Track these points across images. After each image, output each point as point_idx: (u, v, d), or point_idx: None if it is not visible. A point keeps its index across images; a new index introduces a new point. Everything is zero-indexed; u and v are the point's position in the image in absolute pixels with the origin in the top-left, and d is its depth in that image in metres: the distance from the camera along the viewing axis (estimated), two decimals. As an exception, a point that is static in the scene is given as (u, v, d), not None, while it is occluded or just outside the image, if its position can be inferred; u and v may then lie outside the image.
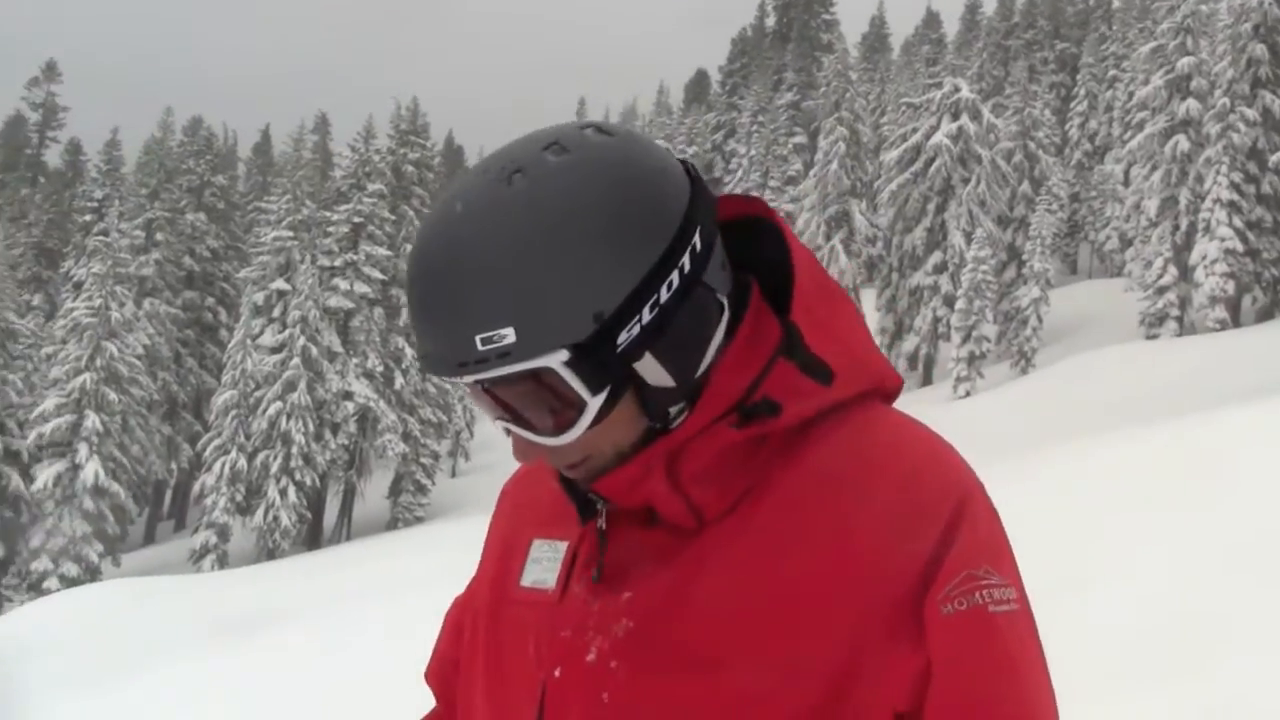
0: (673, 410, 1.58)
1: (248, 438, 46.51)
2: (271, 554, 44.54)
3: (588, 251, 1.47)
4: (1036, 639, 1.59)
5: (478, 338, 1.47)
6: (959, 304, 43.70)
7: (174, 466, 54.14)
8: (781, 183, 62.23)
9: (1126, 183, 48.66)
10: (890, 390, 1.71)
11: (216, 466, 46.60)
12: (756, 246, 1.71)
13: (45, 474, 45.43)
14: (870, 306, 50.21)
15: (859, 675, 1.51)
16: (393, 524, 46.84)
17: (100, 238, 52.57)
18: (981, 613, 1.52)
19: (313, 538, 48.31)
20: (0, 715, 14.38)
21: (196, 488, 49.08)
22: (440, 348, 1.50)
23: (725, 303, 1.61)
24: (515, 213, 1.47)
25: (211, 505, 46.33)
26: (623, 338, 1.49)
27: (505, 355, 1.47)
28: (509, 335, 1.46)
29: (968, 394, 40.51)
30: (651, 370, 1.54)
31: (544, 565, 1.71)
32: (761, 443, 1.59)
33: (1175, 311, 42.94)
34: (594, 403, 1.51)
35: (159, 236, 56.15)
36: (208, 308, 57.72)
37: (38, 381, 48.41)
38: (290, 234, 50.33)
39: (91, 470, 45.28)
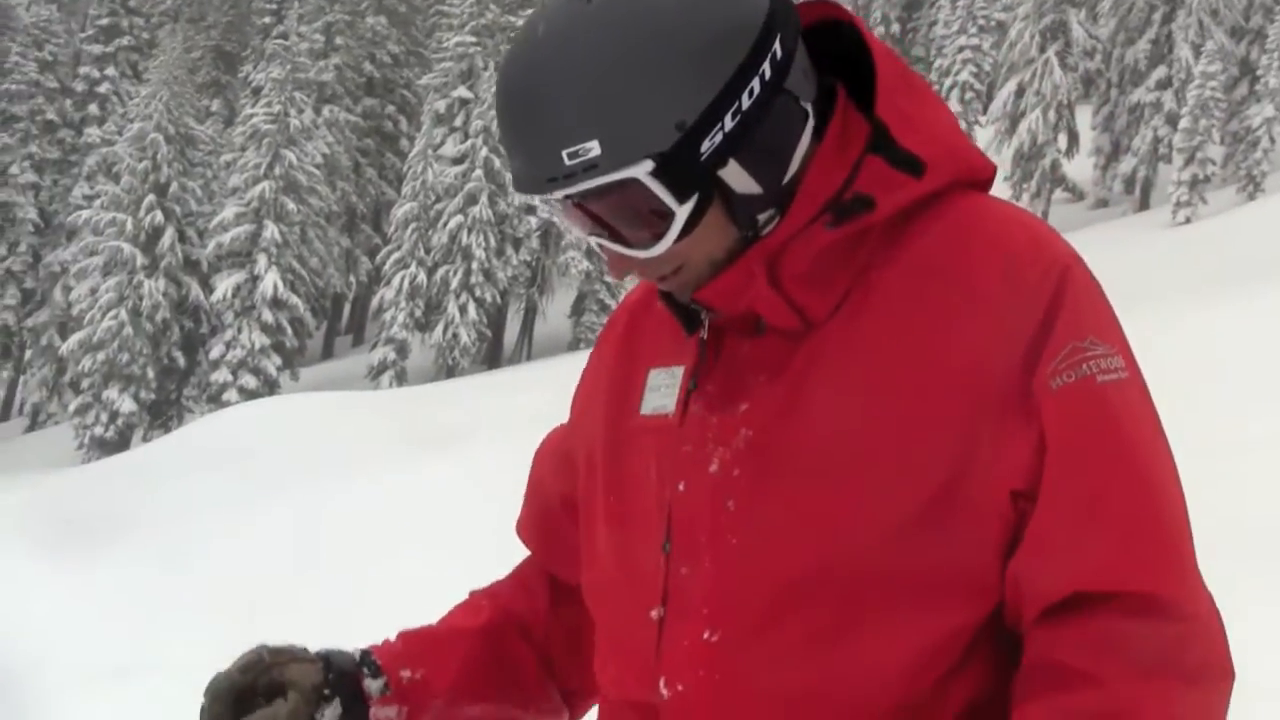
0: (762, 218, 1.66)
1: (427, 252, 47.07)
2: (451, 371, 45.30)
3: (666, 62, 1.54)
4: (1149, 404, 1.64)
5: (564, 152, 1.55)
6: (1183, 123, 42.55)
7: (352, 280, 55.05)
8: (992, -8, 60.76)
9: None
10: (984, 179, 1.77)
11: (395, 281, 47.31)
12: (838, 49, 1.77)
13: (224, 284, 46.53)
14: (1085, 125, 48.91)
15: (974, 461, 1.58)
16: (575, 344, 47.20)
17: (279, 41, 53.15)
18: (1090, 383, 1.58)
19: (493, 356, 49.04)
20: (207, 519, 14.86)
21: (375, 302, 49.88)
22: (529, 166, 1.60)
23: (810, 109, 1.69)
24: (593, 29, 1.55)
25: (390, 320, 47.16)
26: (706, 146, 1.57)
27: (591, 168, 1.55)
28: (594, 148, 1.54)
29: (1188, 220, 39.46)
30: (738, 178, 1.62)
31: (662, 392, 1.79)
32: (860, 240, 1.66)
33: None
34: (682, 211, 1.59)
35: (338, 41, 56.48)
36: (388, 116, 58.17)
37: (216, 189, 49.39)
38: (473, 39, 50.33)
39: (270, 281, 46.27)
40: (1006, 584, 1.60)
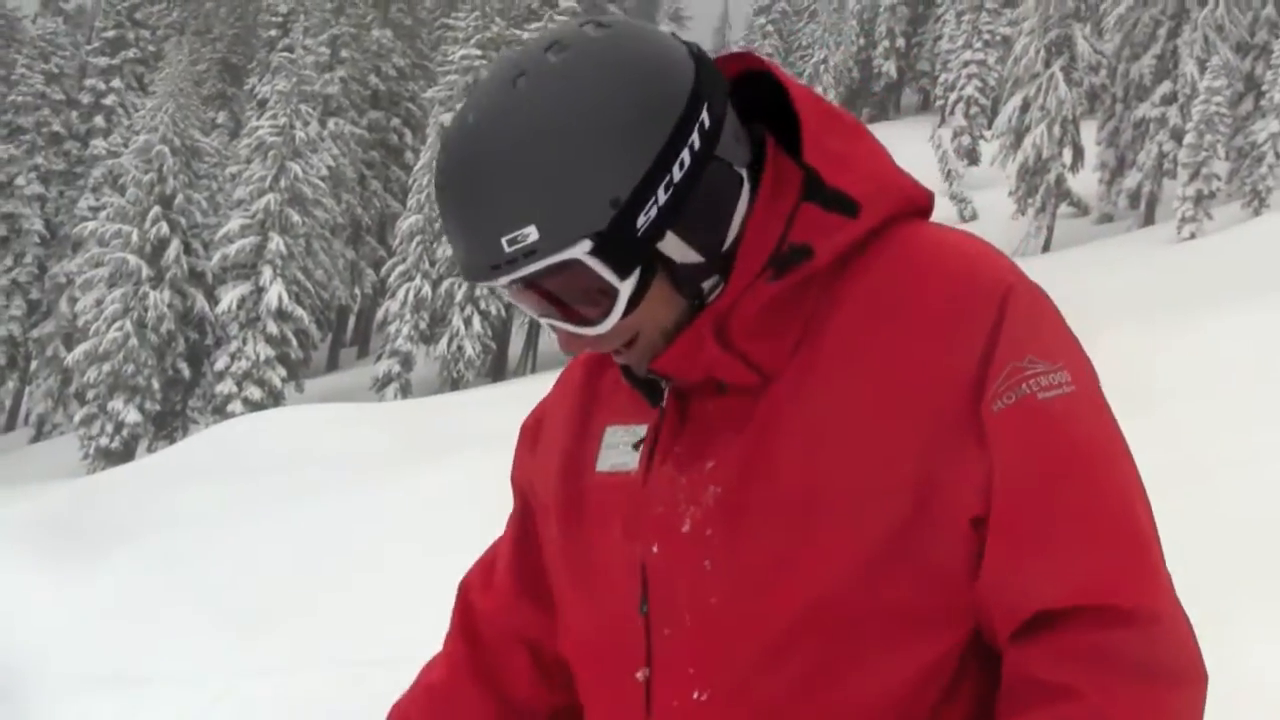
0: (707, 285, 1.69)
1: (432, 264, 47.10)
2: (455, 384, 45.30)
3: (595, 142, 1.57)
4: (1102, 414, 1.67)
5: (503, 240, 1.58)
6: (1188, 138, 42.35)
7: (357, 292, 55.07)
8: (1000, 4, 60.70)
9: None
10: (922, 207, 1.79)
11: (400, 293, 47.33)
12: (764, 95, 1.80)
13: (229, 296, 46.54)
14: (1090, 140, 48.77)
15: (935, 490, 1.61)
16: (578, 357, 47.17)
17: (285, 54, 53.16)
18: (1030, 401, 1.60)
19: (497, 369, 49.05)
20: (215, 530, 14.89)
21: (380, 314, 49.92)
22: (471, 255, 1.63)
23: (744, 174, 1.71)
24: (521, 115, 1.59)
25: (395, 333, 47.18)
26: (641, 220, 1.60)
27: (531, 253, 1.59)
28: (531, 233, 1.57)
29: (1193, 235, 39.32)
30: (677, 248, 1.65)
31: (620, 450, 1.82)
32: (804, 288, 1.69)
33: None
34: (625, 287, 1.62)
35: (344, 54, 56.50)
36: (393, 129, 58.23)
37: (222, 201, 49.42)
38: (479, 52, 50.30)
39: (275, 293, 46.25)
40: (976, 608, 1.65)
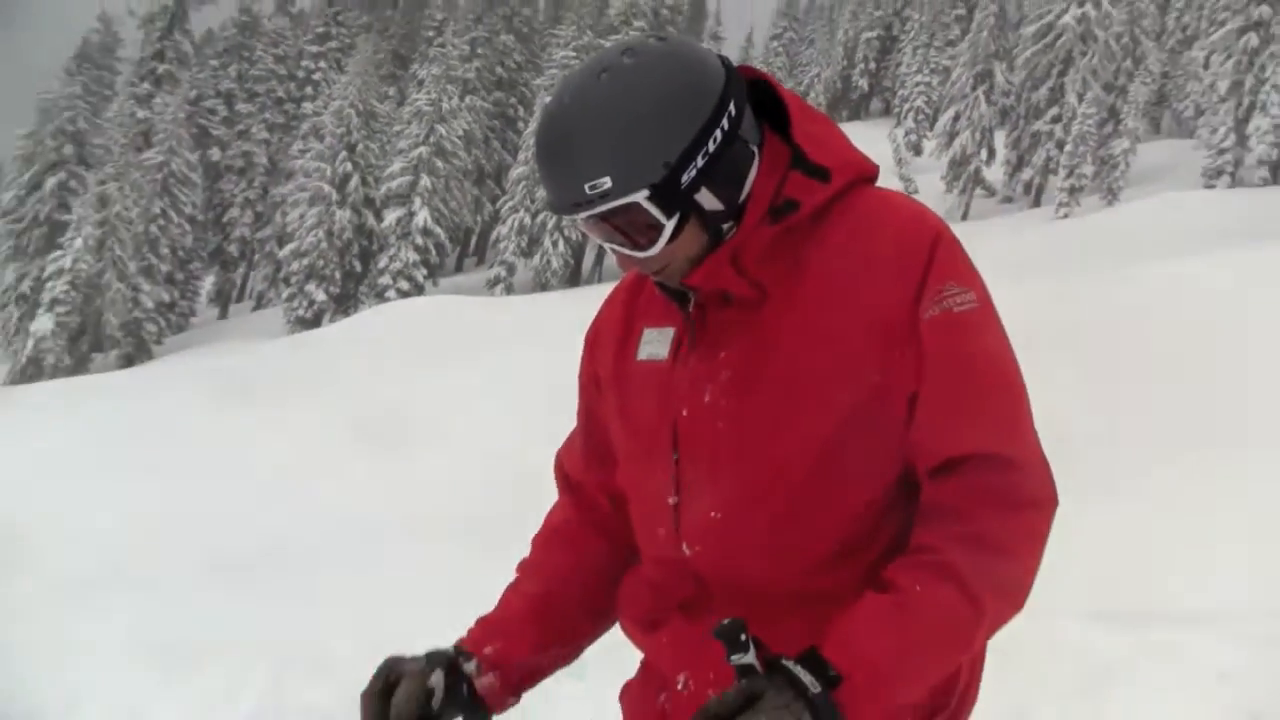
0: (725, 227, 1.72)
1: (532, 201, 46.86)
2: (544, 287, 45.31)
3: (655, 119, 1.62)
4: (994, 321, 1.71)
5: (585, 186, 1.62)
6: (1067, 148, 42.11)
7: (479, 219, 54.88)
8: (944, 43, 59.95)
9: (1206, 66, 46.11)
10: (872, 175, 1.81)
11: (509, 220, 47.16)
12: (761, 96, 1.82)
13: (390, 216, 46.49)
14: (1001, 144, 48.52)
15: (886, 373, 1.66)
16: (631, 273, 47.00)
17: (438, 48, 52.94)
18: (949, 313, 1.65)
19: (573, 278, 48.97)
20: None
21: (494, 235, 49.81)
22: (560, 195, 1.66)
23: (756, 150, 1.75)
24: (602, 98, 1.63)
25: (504, 249, 47.09)
26: (685, 177, 1.64)
27: (604, 196, 1.62)
28: (606, 182, 1.61)
29: (1066, 216, 38.97)
30: (708, 199, 1.68)
31: (655, 344, 1.85)
32: (793, 232, 1.72)
33: (1230, 169, 41.39)
34: (669, 225, 1.66)
35: (479, 50, 55.91)
36: (510, 105, 57.61)
37: (389, 150, 49.22)
38: (574, 55, 49.76)
39: (422, 216, 46.17)
40: (908, 455, 1.69)
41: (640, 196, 1.63)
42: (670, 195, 1.64)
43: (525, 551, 2.10)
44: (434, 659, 1.89)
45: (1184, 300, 10.36)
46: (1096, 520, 5.49)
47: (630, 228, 1.68)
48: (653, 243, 1.68)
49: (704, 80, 1.66)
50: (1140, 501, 6.57)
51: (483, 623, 2.00)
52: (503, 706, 1.96)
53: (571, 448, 2.11)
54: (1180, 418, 7.90)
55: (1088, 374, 8.57)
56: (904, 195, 1.82)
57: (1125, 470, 7.06)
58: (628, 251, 1.71)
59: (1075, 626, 4.90)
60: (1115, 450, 7.41)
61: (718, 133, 1.65)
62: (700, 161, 1.64)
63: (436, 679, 1.87)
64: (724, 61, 1.73)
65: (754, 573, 1.73)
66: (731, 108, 1.67)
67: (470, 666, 1.91)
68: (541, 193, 40.23)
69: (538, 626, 1.98)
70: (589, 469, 2.05)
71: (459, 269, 58.36)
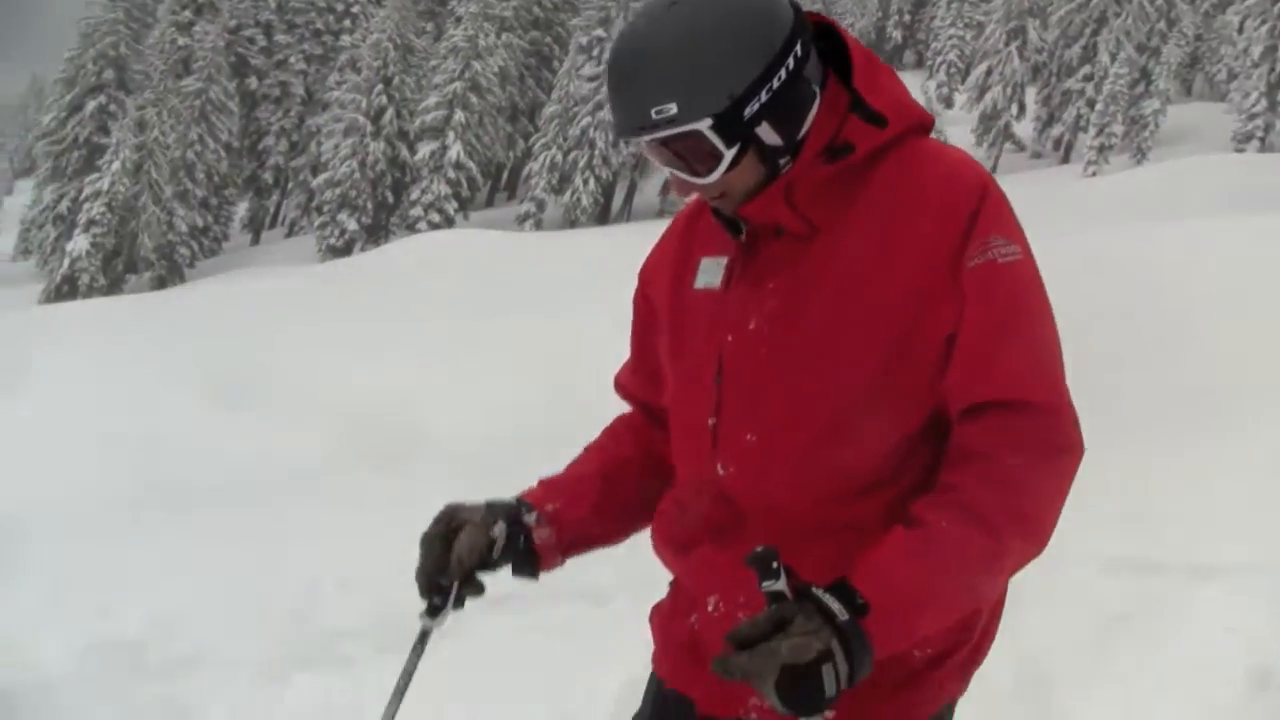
0: (782, 162, 1.72)
1: (564, 140, 46.74)
2: (572, 225, 45.22)
3: (722, 52, 1.63)
4: (1035, 275, 1.72)
5: (652, 110, 1.65)
6: (1098, 106, 41.88)
7: (511, 155, 54.68)
8: (976, 1, 59.31)
9: (1240, 30, 45.49)
10: (928, 125, 1.82)
11: (541, 157, 47.04)
12: (827, 43, 1.83)
13: (424, 149, 46.45)
14: (1031, 100, 48.07)
15: (926, 313, 1.67)
16: (660, 213, 46.81)
17: (477, -15, 52.54)
18: (994, 263, 1.66)
19: (602, 216, 48.87)
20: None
21: (525, 171, 49.68)
22: (627, 119, 1.68)
23: (818, 91, 1.75)
24: (673, 28, 1.64)
25: (534, 185, 46.97)
26: (748, 110, 1.66)
27: (670, 122, 1.65)
28: (672, 108, 1.64)
29: (1094, 174, 38.65)
30: (768, 134, 1.70)
31: (710, 273, 1.87)
32: (847, 172, 1.73)
33: (1260, 134, 40.94)
34: (728, 155, 1.67)
35: (517, -12, 55.68)
36: (545, 44, 57.15)
37: (424, 84, 49.03)
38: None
39: (455, 150, 46.10)
40: (942, 395, 1.70)
41: (703, 125, 1.64)
42: (732, 126, 1.65)
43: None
44: (495, 509, 1.99)
45: (1203, 258, 10.27)
46: (1110, 471, 5.45)
47: (690, 154, 1.69)
48: (711, 170, 1.69)
49: (774, 18, 1.67)
50: (1152, 454, 6.53)
51: (545, 483, 2.09)
52: (551, 564, 2.03)
53: (626, 369, 2.17)
54: (1195, 371, 7.85)
55: (1109, 329, 8.50)
56: (956, 148, 1.83)
57: (1138, 421, 7.02)
58: (686, 177, 1.73)
59: (1086, 575, 4.90)
60: (1129, 401, 7.36)
61: (783, 70, 1.66)
62: (764, 96, 1.65)
63: (499, 530, 1.96)
64: (793, 4, 1.74)
65: (783, 498, 1.75)
66: (798, 48, 1.69)
67: (531, 519, 2.00)
68: (573, 131, 39.91)
69: (598, 493, 2.06)
70: (641, 388, 2.11)
71: (490, 204, 58.27)
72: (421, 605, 1.96)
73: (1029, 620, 3.78)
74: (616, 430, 2.17)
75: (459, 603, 1.96)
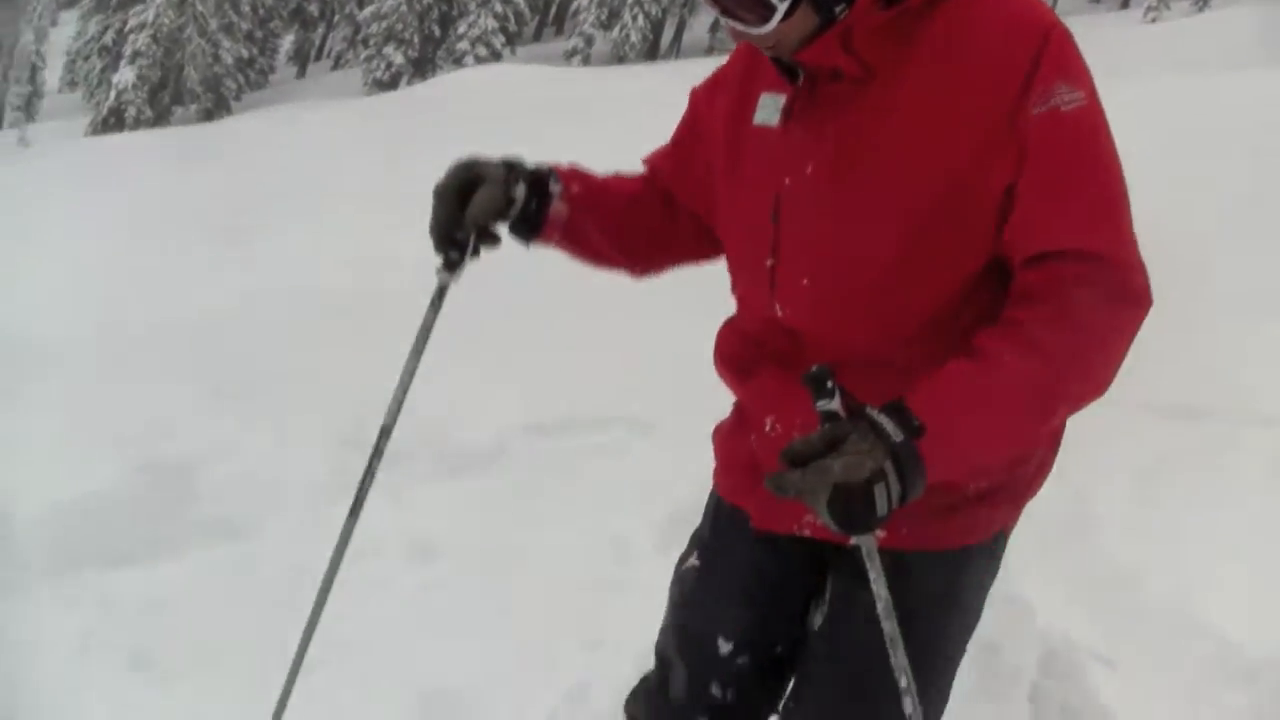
0: (838, 9, 1.66)
1: (614, -26, 45.75)
2: (621, 60, 44.51)
3: None
4: (1101, 123, 1.66)
5: None
6: (1166, -56, 40.48)
7: (560, -11, 53.68)
8: None
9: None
10: None
11: (589, -8, 46.20)
12: None
13: (472, -18, 45.65)
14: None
15: (983, 162, 1.63)
16: (709, 50, 45.83)
17: None
18: (1057, 111, 1.60)
19: (651, 52, 47.97)
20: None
21: (573, 6, 48.73)
22: None
23: None
24: None
25: (583, 20, 46.14)
26: None
27: None
28: None
29: (1154, 20, 37.52)
30: None
31: (769, 110, 1.83)
32: (903, 17, 1.68)
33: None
34: (782, 6, 1.63)
35: None
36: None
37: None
38: None
39: (504, -18, 45.34)
40: (1002, 245, 1.67)
41: None
42: None
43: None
44: (517, 170, 1.98)
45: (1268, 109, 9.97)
46: (1162, 316, 5.34)
47: (745, 6, 1.66)
48: (765, 20, 1.65)
49: None
50: (1203, 301, 6.38)
51: (576, 169, 2.10)
52: (548, 240, 2.06)
53: (660, 152, 2.17)
54: (1258, 221, 7.63)
55: (1170, 176, 8.26)
56: None
57: (1189, 270, 6.85)
58: (740, 27, 1.69)
59: (1136, 416, 4.88)
60: (1185, 250, 7.18)
61: None
62: None
63: (520, 191, 1.96)
64: None
65: (838, 340, 1.76)
66: None
67: (556, 189, 2.01)
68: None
69: (610, 200, 2.09)
70: (670, 174, 2.12)
71: (537, 38, 57.32)
72: (437, 260, 1.94)
73: (1078, 458, 3.75)
74: (626, 176, 2.18)
75: (474, 253, 1.94)
